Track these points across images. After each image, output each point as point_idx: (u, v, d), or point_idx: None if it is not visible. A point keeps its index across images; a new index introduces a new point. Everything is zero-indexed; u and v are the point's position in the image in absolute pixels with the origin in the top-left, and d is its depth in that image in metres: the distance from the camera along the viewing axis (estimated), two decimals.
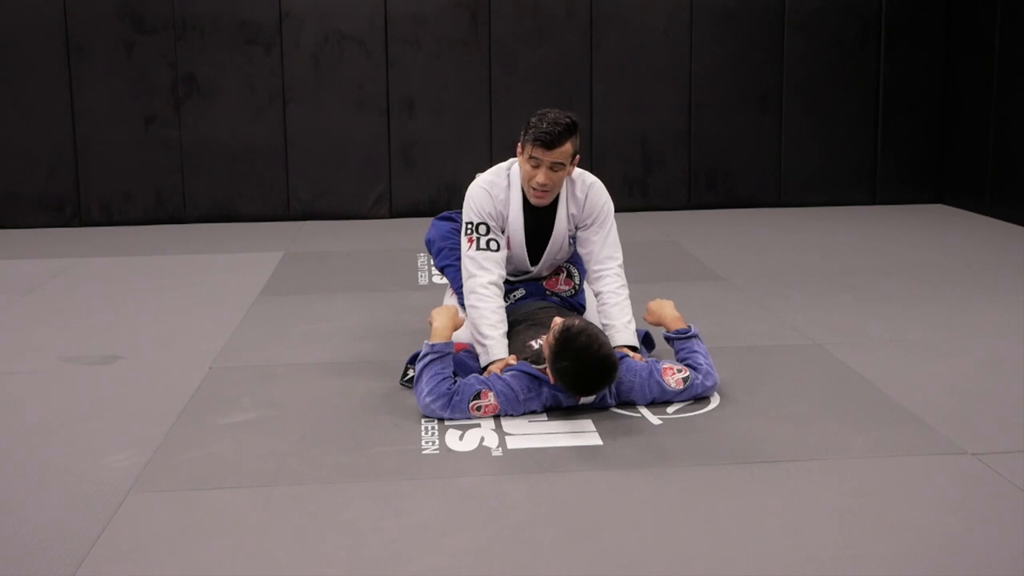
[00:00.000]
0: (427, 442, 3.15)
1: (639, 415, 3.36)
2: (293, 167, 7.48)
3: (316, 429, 3.29)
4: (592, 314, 3.86)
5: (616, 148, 7.69)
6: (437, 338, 3.46)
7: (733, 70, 7.72)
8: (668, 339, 3.68)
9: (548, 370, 3.27)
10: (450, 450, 3.09)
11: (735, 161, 7.84)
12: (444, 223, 4.15)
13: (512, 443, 3.13)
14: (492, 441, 3.15)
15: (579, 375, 3.20)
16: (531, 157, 3.58)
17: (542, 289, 3.91)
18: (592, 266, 3.77)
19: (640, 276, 4.98)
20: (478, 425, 3.27)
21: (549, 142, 3.53)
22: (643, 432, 3.23)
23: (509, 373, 3.38)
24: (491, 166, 3.89)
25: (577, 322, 3.25)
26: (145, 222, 7.46)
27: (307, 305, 4.95)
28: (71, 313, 4.88)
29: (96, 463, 3.02)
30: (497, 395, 3.31)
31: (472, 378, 3.39)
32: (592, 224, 3.76)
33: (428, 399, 3.31)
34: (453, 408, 3.30)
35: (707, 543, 2.50)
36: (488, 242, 3.67)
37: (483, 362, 3.55)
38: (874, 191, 7.98)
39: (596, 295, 3.77)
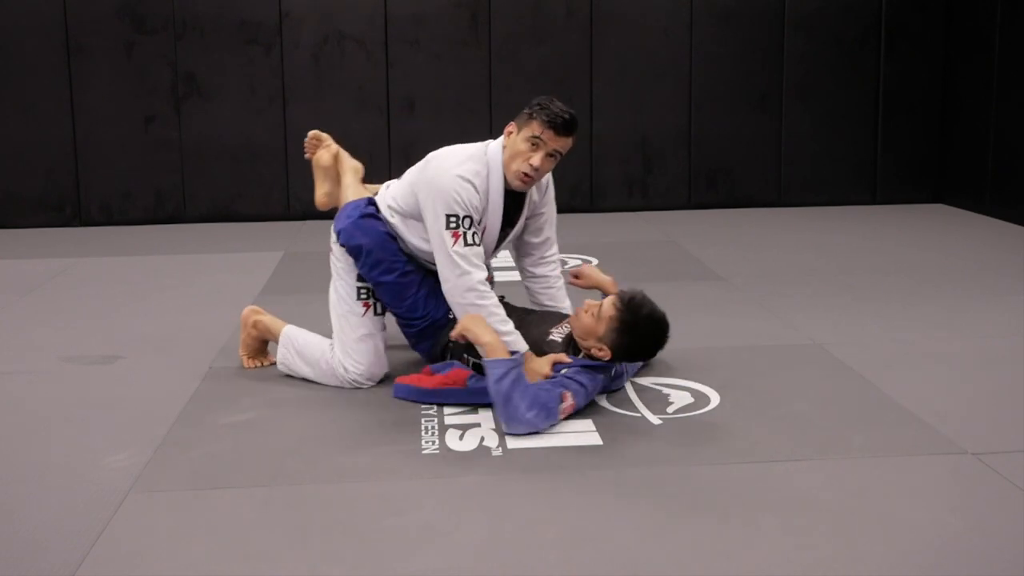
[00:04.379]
0: (427, 442, 3.15)
1: (639, 415, 3.37)
2: (293, 167, 7.48)
3: (316, 429, 3.29)
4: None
5: (616, 148, 7.69)
6: (498, 353, 3.27)
7: (733, 70, 7.72)
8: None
9: (602, 350, 3.35)
10: (450, 450, 3.09)
11: (735, 161, 7.85)
12: (372, 223, 3.62)
13: (512, 443, 3.13)
14: (492, 441, 3.15)
15: (654, 337, 3.37)
16: (534, 137, 3.40)
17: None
18: (544, 252, 3.77)
19: (640, 276, 4.98)
20: (478, 425, 3.27)
21: (562, 126, 3.39)
22: (643, 432, 3.23)
23: (573, 371, 3.35)
24: None
25: (629, 291, 3.41)
26: (145, 222, 7.46)
27: (307, 305, 4.94)
28: (71, 313, 4.88)
29: (96, 463, 3.02)
30: (574, 395, 3.29)
31: (548, 384, 3.28)
32: (546, 211, 3.73)
33: (530, 415, 3.17)
34: (549, 415, 3.21)
35: (707, 543, 2.50)
36: (473, 235, 3.43)
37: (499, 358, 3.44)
38: (874, 191, 7.98)
39: (539, 278, 3.79)
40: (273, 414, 3.43)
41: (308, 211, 7.52)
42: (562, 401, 3.24)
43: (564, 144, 3.46)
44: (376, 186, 3.92)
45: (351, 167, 3.98)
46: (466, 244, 3.41)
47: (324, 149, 4.01)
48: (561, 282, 3.84)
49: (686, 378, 3.73)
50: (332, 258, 3.74)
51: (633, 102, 7.66)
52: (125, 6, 7.25)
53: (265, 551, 2.48)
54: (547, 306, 3.80)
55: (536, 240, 3.75)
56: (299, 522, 2.63)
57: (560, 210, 3.89)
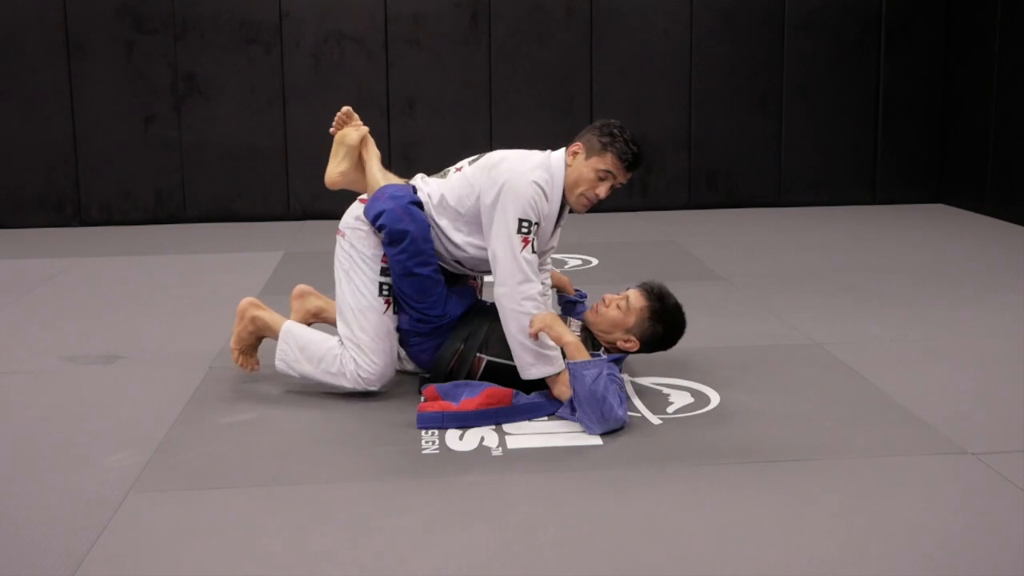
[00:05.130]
0: (427, 442, 3.15)
1: (639, 415, 3.37)
2: (293, 167, 7.48)
3: (316, 429, 3.29)
4: None
5: None
6: (582, 354, 3.21)
7: (733, 70, 7.72)
8: (571, 302, 3.90)
9: (629, 341, 3.42)
10: (450, 450, 3.09)
11: (735, 161, 7.85)
12: (420, 212, 3.50)
13: (512, 443, 3.13)
14: (492, 441, 3.15)
15: (682, 326, 3.52)
16: (605, 171, 3.39)
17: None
18: (546, 260, 3.73)
19: (640, 276, 4.95)
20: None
21: (634, 163, 3.40)
22: (643, 432, 3.23)
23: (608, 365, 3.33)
24: None
25: (650, 281, 3.51)
26: (145, 222, 7.47)
27: None
28: (71, 313, 4.88)
29: (96, 463, 3.02)
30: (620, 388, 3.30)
31: (608, 378, 3.21)
32: (563, 221, 3.67)
33: (621, 411, 3.18)
34: (627, 409, 3.28)
35: (707, 543, 2.50)
36: (536, 244, 3.39)
37: (543, 374, 3.33)
38: (874, 191, 7.98)
39: None
40: (273, 414, 3.43)
41: (308, 211, 7.53)
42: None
43: (628, 177, 3.47)
44: (400, 177, 3.86)
45: (376, 154, 3.91)
46: (532, 251, 3.35)
47: (352, 128, 3.92)
48: (550, 291, 3.80)
49: (686, 378, 3.73)
50: (345, 246, 3.60)
51: (633, 102, 7.66)
52: (125, 6, 7.26)
53: (265, 551, 2.48)
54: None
55: (545, 248, 3.70)
56: (299, 522, 2.63)
57: None
